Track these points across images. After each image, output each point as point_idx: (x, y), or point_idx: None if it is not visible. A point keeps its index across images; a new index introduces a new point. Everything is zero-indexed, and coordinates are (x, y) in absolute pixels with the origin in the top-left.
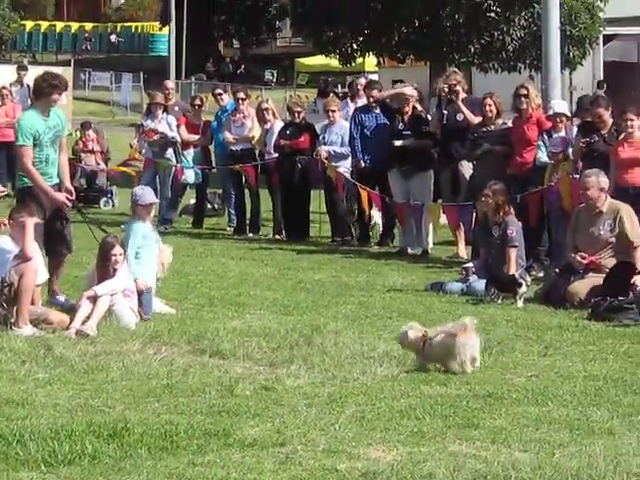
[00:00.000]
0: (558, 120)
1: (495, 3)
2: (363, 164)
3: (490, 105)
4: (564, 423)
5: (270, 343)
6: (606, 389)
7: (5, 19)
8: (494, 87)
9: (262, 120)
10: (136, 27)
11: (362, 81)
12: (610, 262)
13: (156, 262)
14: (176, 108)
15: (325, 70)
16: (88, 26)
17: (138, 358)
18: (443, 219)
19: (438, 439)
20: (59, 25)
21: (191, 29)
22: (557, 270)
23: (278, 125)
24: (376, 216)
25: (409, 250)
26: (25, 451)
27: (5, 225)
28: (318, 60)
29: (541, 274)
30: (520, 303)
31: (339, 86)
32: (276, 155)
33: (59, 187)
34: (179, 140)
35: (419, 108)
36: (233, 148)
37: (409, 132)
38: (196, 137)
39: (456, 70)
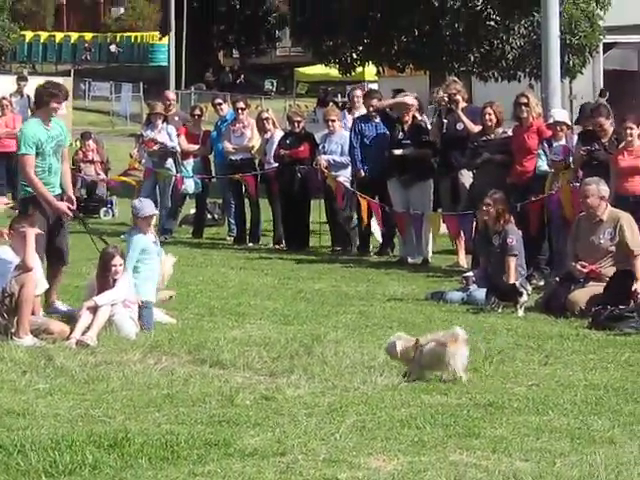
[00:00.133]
0: (558, 129)
1: (495, 12)
2: (363, 173)
3: (490, 114)
4: (565, 432)
5: (270, 353)
6: (607, 398)
7: (5, 30)
8: (494, 96)
9: (262, 130)
10: (136, 37)
11: (358, 92)
12: (611, 271)
13: (156, 275)
14: (176, 118)
15: (325, 79)
16: (88, 36)
17: (138, 368)
18: (443, 228)
19: (439, 448)
20: (59, 35)
21: (191, 39)
22: (557, 279)
23: (278, 135)
24: (373, 226)
25: (409, 259)
26: (26, 461)
27: (4, 235)
28: (318, 70)
29: (541, 283)
30: (521, 312)
31: (339, 95)
32: (276, 165)
33: (61, 197)
34: (179, 150)
35: (419, 117)
36: (233, 158)
37: (409, 141)
38: (196, 147)
39: (456, 79)
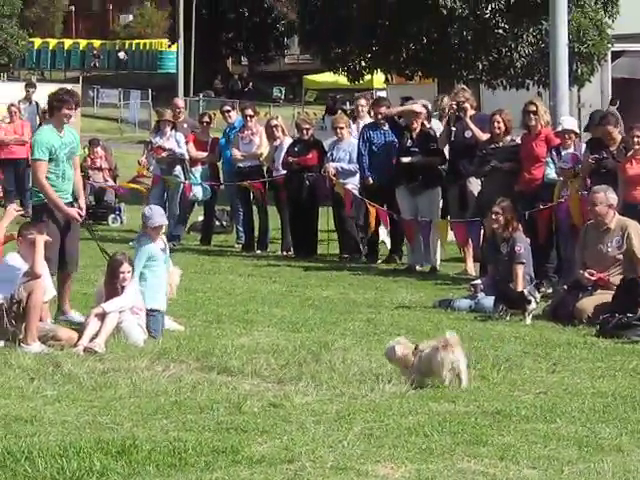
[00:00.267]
0: (567, 137)
1: (503, 20)
2: (371, 181)
3: (499, 122)
4: (573, 440)
5: (278, 360)
6: (615, 406)
7: (13, 37)
8: (502, 104)
9: (271, 137)
10: (144, 44)
11: (362, 102)
12: (619, 279)
13: (164, 283)
14: (184, 125)
15: (333, 87)
16: (96, 43)
17: (146, 375)
18: (451, 236)
19: (446, 456)
20: (67, 42)
21: (199, 46)
22: (565, 287)
23: (287, 142)
24: (382, 234)
25: (417, 267)
26: (34, 468)
27: (16, 239)
28: (326, 77)
29: (549, 291)
30: (528, 320)
31: (347, 103)
32: (284, 172)
33: (72, 204)
34: (187, 157)
35: (427, 125)
36: (241, 165)
37: (417, 149)
38: (204, 154)
39: (464, 87)
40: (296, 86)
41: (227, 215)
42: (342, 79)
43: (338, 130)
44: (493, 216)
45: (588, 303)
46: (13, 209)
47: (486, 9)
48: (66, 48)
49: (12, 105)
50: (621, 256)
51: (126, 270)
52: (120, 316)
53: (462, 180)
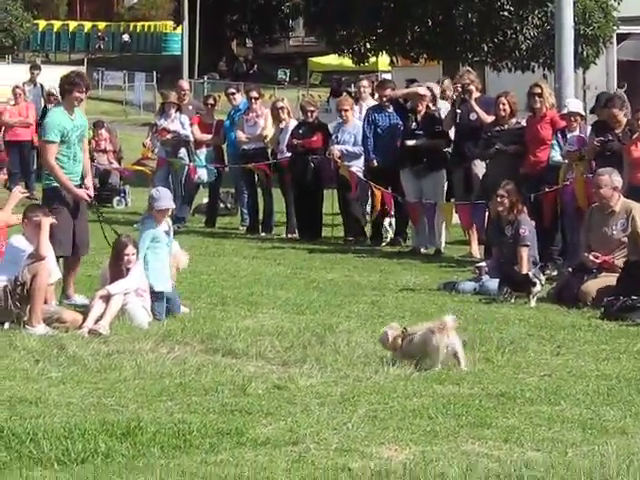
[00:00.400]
0: (572, 119)
1: (508, 2)
2: (375, 163)
3: (504, 104)
4: (577, 422)
5: (283, 342)
6: (619, 388)
7: (18, 19)
8: (507, 86)
9: (277, 119)
10: (149, 26)
11: (365, 83)
12: (623, 262)
13: (167, 265)
14: (189, 107)
15: (338, 69)
16: (101, 25)
17: (151, 357)
18: (456, 218)
19: (451, 438)
20: (72, 24)
21: (204, 28)
22: (570, 269)
23: (293, 124)
24: (386, 222)
25: (422, 249)
26: (38, 450)
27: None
28: (331, 59)
29: (554, 273)
30: (533, 302)
31: (352, 85)
32: (289, 154)
33: (80, 187)
34: (192, 139)
35: (432, 108)
36: (245, 147)
37: (422, 132)
38: (209, 136)
39: (469, 69)
40: (301, 68)
41: (232, 197)
42: (347, 61)
43: (343, 113)
44: (498, 199)
45: (593, 286)
46: (18, 191)
47: None
48: (71, 30)
49: (17, 87)
50: (626, 239)
51: (131, 252)
52: (125, 298)
53: (467, 163)
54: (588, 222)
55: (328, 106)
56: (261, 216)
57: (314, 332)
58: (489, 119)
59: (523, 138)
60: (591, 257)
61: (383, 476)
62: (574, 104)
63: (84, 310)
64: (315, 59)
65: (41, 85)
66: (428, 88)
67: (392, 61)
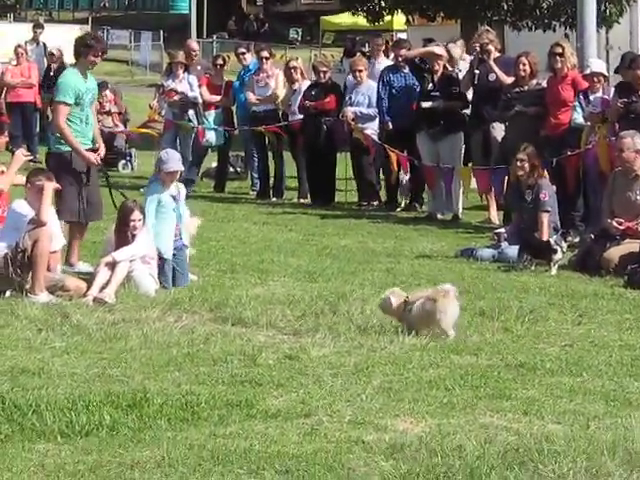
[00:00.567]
0: (595, 80)
1: None
2: (390, 125)
3: (525, 65)
4: (599, 394)
5: (294, 311)
6: None
7: None
8: (527, 46)
9: (290, 79)
10: None
11: (379, 41)
12: None
13: (172, 231)
14: (198, 67)
15: (352, 29)
16: None
17: (158, 326)
18: (473, 183)
19: (468, 410)
20: None
21: None
22: (592, 236)
23: (305, 85)
24: (404, 179)
25: (438, 215)
26: (41, 422)
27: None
28: (345, 18)
29: (576, 240)
30: (554, 270)
31: (366, 45)
32: (300, 116)
33: (92, 150)
34: (200, 101)
35: (449, 68)
36: (256, 109)
37: (438, 93)
38: (218, 98)
39: (489, 29)
40: (313, 27)
41: (241, 161)
42: (361, 20)
43: (357, 73)
44: (518, 163)
45: (615, 253)
46: (21, 154)
47: None
48: None
49: (19, 46)
50: None
51: (137, 218)
52: (131, 265)
53: (485, 125)
54: (611, 187)
55: (341, 66)
56: (272, 180)
57: (327, 300)
58: (508, 80)
59: (544, 100)
60: (614, 223)
61: (398, 449)
62: (597, 64)
63: (88, 278)
64: (328, 18)
65: (44, 44)
66: (445, 47)
67: (408, 20)
